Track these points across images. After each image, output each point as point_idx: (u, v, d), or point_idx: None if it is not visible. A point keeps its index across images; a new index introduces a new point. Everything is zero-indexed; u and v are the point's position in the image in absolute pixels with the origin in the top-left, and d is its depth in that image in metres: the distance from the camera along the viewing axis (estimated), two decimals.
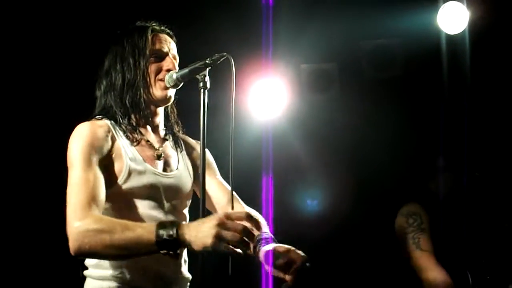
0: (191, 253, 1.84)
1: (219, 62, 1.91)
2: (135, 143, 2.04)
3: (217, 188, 2.20)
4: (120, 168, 1.96)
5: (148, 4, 3.21)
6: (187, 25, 3.22)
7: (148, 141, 2.10)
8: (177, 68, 2.12)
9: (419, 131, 3.47)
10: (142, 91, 2.07)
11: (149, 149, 2.08)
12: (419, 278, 2.95)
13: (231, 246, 1.65)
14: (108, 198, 1.90)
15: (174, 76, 2.03)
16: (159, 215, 2.00)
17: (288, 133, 4.13)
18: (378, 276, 3.89)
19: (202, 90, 1.88)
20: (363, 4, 3.79)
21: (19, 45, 3.55)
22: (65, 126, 2.04)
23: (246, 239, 1.66)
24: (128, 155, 1.99)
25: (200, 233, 1.66)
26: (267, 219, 2.12)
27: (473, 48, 3.78)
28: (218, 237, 1.64)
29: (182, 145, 2.25)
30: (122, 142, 2.01)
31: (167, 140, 2.20)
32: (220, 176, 2.27)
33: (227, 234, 1.64)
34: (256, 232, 1.83)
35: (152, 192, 2.01)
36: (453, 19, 3.72)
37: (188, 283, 2.15)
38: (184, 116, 2.33)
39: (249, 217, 1.73)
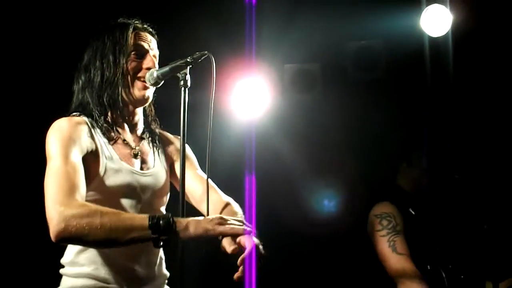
0: (169, 250, 1.84)
1: (200, 60, 1.92)
2: (111, 142, 2.03)
3: (193, 179, 2.17)
4: (97, 166, 1.95)
5: (130, 0, 3.17)
6: (170, 23, 3.21)
7: (124, 140, 2.09)
8: (157, 66, 2.10)
9: (400, 131, 3.48)
10: (120, 89, 2.05)
11: (125, 147, 2.07)
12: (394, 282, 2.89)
13: (232, 226, 1.76)
14: (85, 195, 1.88)
15: (155, 74, 2.03)
16: (137, 212, 1.98)
17: (271, 132, 4.13)
18: (358, 275, 3.89)
19: (182, 88, 1.88)
20: (347, 5, 3.81)
21: None
22: (40, 122, 2.02)
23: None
24: (105, 154, 1.98)
25: (201, 221, 1.75)
26: (250, 218, 2.12)
27: (456, 51, 3.80)
28: (220, 223, 1.75)
29: (160, 141, 2.24)
30: (100, 141, 2.00)
31: (144, 138, 2.18)
32: (200, 170, 2.24)
33: (228, 219, 1.78)
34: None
35: (129, 190, 2.00)
36: (436, 21, 3.73)
37: (166, 280, 2.14)
38: (166, 115, 2.31)
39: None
